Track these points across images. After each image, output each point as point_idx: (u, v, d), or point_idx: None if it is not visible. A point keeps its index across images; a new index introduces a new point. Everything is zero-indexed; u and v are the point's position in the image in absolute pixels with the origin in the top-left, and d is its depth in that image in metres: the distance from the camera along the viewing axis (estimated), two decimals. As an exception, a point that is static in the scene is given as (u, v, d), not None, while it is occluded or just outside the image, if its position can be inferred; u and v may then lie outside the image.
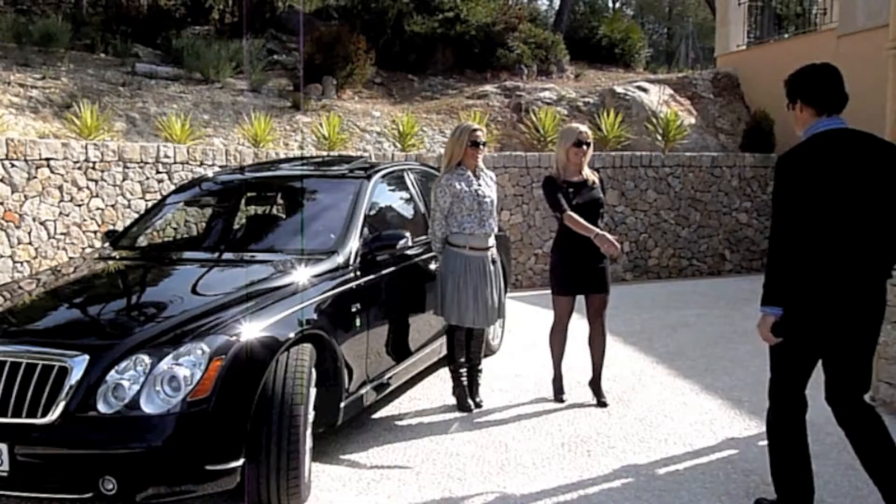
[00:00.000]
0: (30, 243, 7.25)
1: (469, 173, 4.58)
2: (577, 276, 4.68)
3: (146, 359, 2.97)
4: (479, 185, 4.59)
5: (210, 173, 6.08)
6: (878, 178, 2.82)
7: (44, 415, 2.90)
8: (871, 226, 2.81)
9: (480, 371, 4.84)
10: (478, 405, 4.72)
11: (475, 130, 4.58)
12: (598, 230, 4.49)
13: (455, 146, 4.57)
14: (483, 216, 4.56)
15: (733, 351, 6.11)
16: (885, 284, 2.93)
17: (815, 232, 2.83)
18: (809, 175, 2.83)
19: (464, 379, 4.73)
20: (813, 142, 2.93)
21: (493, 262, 4.67)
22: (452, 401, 4.79)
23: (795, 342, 2.94)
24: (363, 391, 4.03)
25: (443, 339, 5.03)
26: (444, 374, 5.48)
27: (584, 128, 4.84)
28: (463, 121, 10.97)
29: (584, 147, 4.70)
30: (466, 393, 4.72)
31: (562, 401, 4.85)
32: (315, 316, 3.54)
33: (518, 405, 4.78)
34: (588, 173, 4.78)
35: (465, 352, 4.73)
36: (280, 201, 5.23)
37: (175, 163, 8.19)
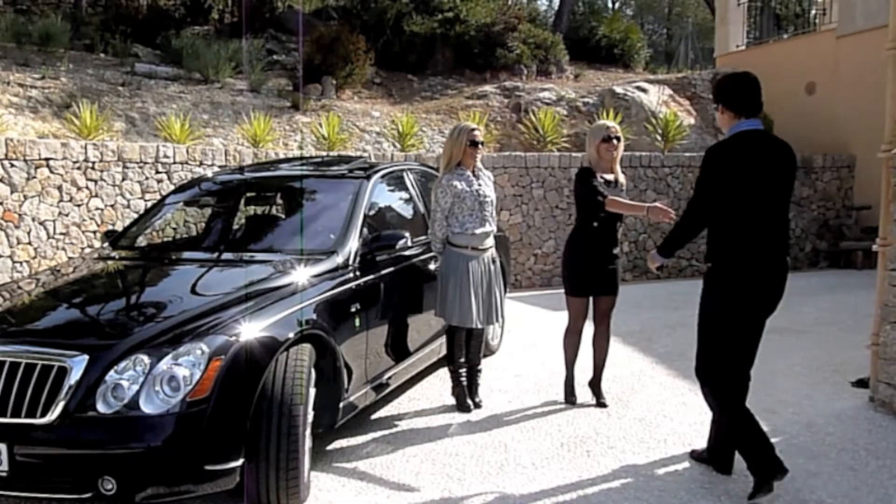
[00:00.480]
0: (29, 243, 7.24)
1: (469, 173, 4.59)
2: (589, 276, 4.64)
3: (145, 359, 2.97)
4: (479, 184, 4.60)
5: (209, 173, 6.07)
6: (780, 171, 3.47)
7: (43, 415, 2.89)
8: (773, 208, 3.49)
9: (480, 371, 4.84)
10: (477, 405, 4.72)
11: (473, 130, 4.58)
12: (648, 204, 4.38)
13: (454, 146, 4.56)
14: (484, 216, 4.57)
15: (732, 351, 6.10)
16: (787, 259, 3.62)
17: (732, 211, 3.43)
18: (730, 166, 3.41)
19: (463, 379, 4.73)
20: (734, 139, 3.46)
21: (493, 261, 4.68)
22: (452, 401, 4.78)
23: (743, 318, 3.50)
24: (362, 391, 4.03)
25: (442, 339, 5.03)
26: (444, 374, 5.48)
27: (612, 123, 4.78)
28: (462, 121, 10.98)
29: (615, 142, 4.63)
30: (466, 393, 4.72)
31: (573, 403, 4.81)
32: (314, 316, 3.54)
33: (517, 405, 4.78)
34: (619, 173, 4.72)
35: (465, 352, 4.73)
36: (279, 201, 5.23)
37: (174, 163, 8.19)
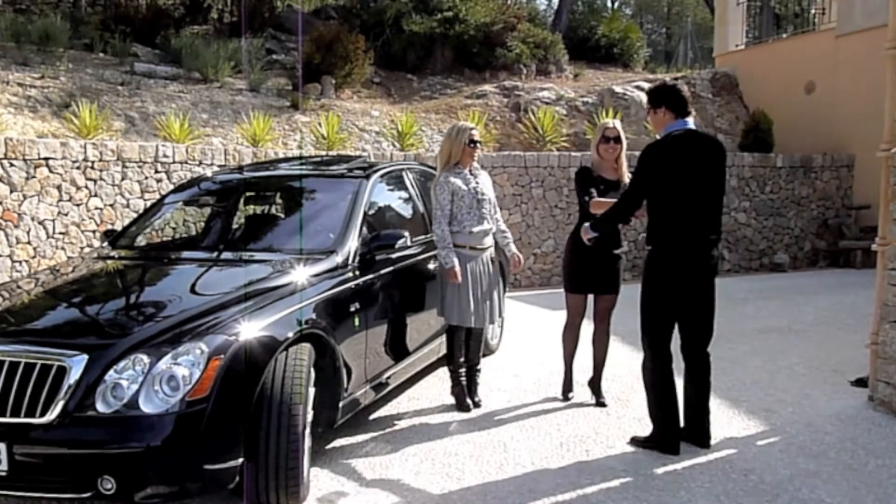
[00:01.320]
0: (28, 243, 7.24)
1: (466, 172, 4.59)
2: (589, 274, 4.65)
3: (145, 358, 2.97)
4: (477, 182, 4.61)
5: (209, 173, 6.07)
6: (712, 165, 3.90)
7: (42, 414, 2.89)
8: (706, 199, 3.87)
9: (479, 371, 4.84)
10: (476, 405, 4.72)
11: (472, 129, 4.59)
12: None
13: (453, 145, 4.57)
14: (482, 214, 4.57)
15: (731, 351, 6.11)
16: (717, 248, 3.95)
17: (667, 202, 3.84)
18: (668, 161, 3.83)
19: (463, 379, 4.73)
20: (671, 137, 3.89)
21: (493, 260, 4.68)
22: (451, 400, 4.78)
23: (659, 301, 3.92)
24: (362, 391, 4.03)
25: (441, 339, 5.03)
26: (443, 373, 5.48)
27: (613, 122, 4.74)
28: (461, 120, 10.98)
29: (612, 143, 4.62)
30: (465, 393, 4.72)
31: (567, 399, 4.86)
32: (314, 315, 3.54)
33: (517, 405, 4.78)
34: (624, 174, 4.68)
35: (465, 351, 4.73)
36: (279, 201, 5.22)
37: (174, 162, 8.19)
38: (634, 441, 4.05)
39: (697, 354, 3.97)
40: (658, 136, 3.99)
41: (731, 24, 14.24)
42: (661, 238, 3.90)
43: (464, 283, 4.47)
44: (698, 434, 3.98)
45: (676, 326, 3.97)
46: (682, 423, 3.98)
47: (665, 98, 3.96)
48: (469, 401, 4.70)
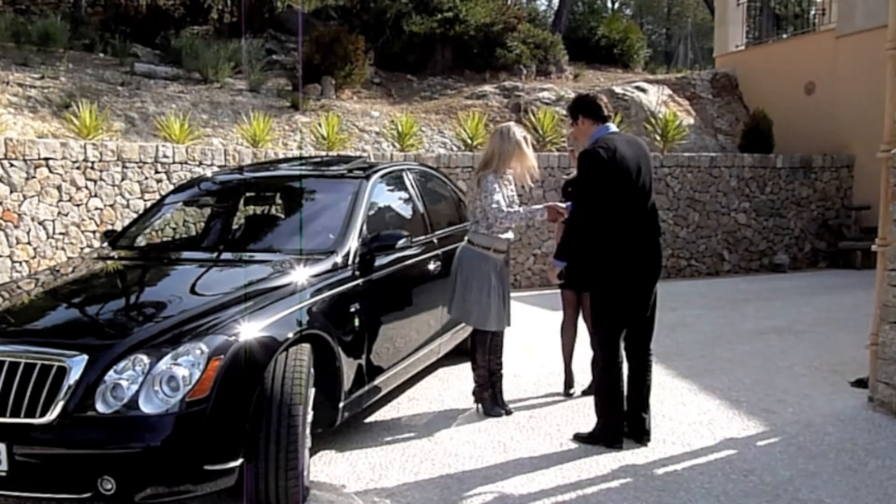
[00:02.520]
0: (28, 243, 7.24)
1: (508, 176, 4.62)
2: (576, 271, 4.66)
3: (145, 359, 2.97)
4: (512, 189, 4.63)
5: (209, 173, 6.07)
6: (641, 160, 4.03)
7: (42, 415, 2.89)
8: (645, 198, 4.03)
9: (502, 376, 4.69)
10: (508, 412, 4.59)
11: (526, 135, 4.69)
12: (543, 205, 4.61)
13: (514, 151, 4.54)
14: (509, 221, 4.56)
15: (731, 351, 6.11)
16: (659, 241, 4.14)
17: (612, 202, 3.94)
18: (607, 165, 3.91)
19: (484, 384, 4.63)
20: (602, 142, 3.99)
21: (507, 263, 4.72)
22: (451, 401, 4.78)
23: (613, 303, 4.03)
24: (362, 391, 4.02)
25: (442, 339, 5.03)
26: (444, 374, 5.48)
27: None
28: (462, 121, 10.99)
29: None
30: (495, 399, 4.61)
31: (569, 395, 4.94)
32: (314, 316, 3.54)
33: (516, 405, 4.78)
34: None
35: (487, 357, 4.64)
36: (279, 201, 5.22)
37: (174, 163, 8.19)
38: (578, 438, 4.15)
39: (641, 352, 4.13)
40: (586, 147, 4.06)
41: (731, 25, 14.24)
42: (610, 242, 3.97)
43: (487, 286, 4.42)
44: (639, 430, 4.10)
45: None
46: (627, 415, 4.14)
47: (581, 108, 4.19)
48: (501, 409, 4.59)
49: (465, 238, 4.61)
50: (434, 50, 14.29)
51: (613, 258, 3.96)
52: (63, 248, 7.45)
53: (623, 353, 4.09)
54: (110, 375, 2.93)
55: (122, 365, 2.95)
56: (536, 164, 4.67)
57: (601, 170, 3.89)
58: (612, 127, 4.15)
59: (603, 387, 4.08)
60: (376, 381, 4.21)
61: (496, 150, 4.53)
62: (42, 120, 9.04)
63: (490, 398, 4.61)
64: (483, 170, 4.53)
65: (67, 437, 2.88)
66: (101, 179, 7.72)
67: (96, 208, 7.69)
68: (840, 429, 4.26)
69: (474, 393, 4.69)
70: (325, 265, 3.90)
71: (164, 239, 5.47)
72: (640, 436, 4.08)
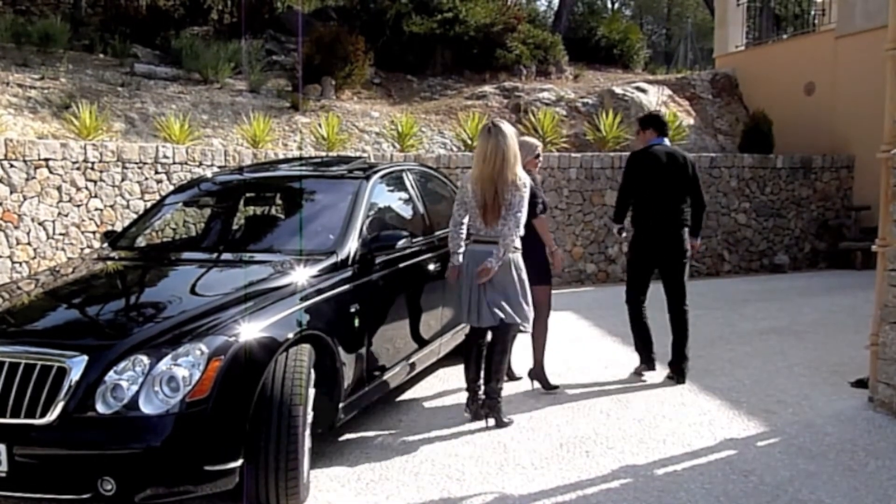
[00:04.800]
0: (28, 244, 7.25)
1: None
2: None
3: (145, 359, 2.97)
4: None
5: (209, 174, 6.08)
6: (681, 170, 5.21)
7: (42, 415, 2.89)
8: (673, 195, 5.19)
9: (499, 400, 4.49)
10: (500, 424, 4.41)
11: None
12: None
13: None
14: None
15: (732, 352, 6.11)
16: (679, 231, 5.21)
17: (644, 197, 5.22)
18: (648, 166, 5.19)
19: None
20: (651, 149, 5.26)
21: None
22: (451, 401, 4.78)
23: (636, 263, 5.34)
24: (362, 392, 4.02)
25: (442, 340, 5.03)
26: (443, 374, 5.48)
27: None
28: (462, 121, 10.98)
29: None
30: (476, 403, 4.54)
31: (518, 379, 5.20)
32: (314, 316, 3.53)
33: (516, 405, 4.78)
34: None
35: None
36: (279, 202, 5.23)
37: (174, 163, 8.19)
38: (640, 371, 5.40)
39: (675, 309, 5.31)
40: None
41: (731, 26, 14.24)
42: (638, 224, 5.31)
43: (517, 285, 4.38)
44: (676, 372, 5.23)
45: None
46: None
47: (649, 122, 5.40)
48: (480, 410, 4.46)
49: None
50: (434, 50, 14.29)
51: (636, 233, 5.29)
52: (63, 249, 7.45)
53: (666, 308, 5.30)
54: (110, 376, 2.93)
55: (122, 365, 2.96)
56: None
57: (630, 166, 5.28)
58: (666, 141, 5.35)
59: (631, 320, 5.40)
60: (376, 382, 4.21)
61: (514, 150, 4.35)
62: (42, 120, 9.05)
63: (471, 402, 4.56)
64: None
65: (67, 437, 2.88)
66: (101, 180, 7.72)
67: (96, 209, 7.69)
68: (840, 429, 4.26)
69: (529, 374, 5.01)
70: (325, 265, 3.89)
71: (165, 239, 5.47)
72: (677, 376, 5.20)
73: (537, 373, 5.06)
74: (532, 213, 4.63)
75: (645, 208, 5.20)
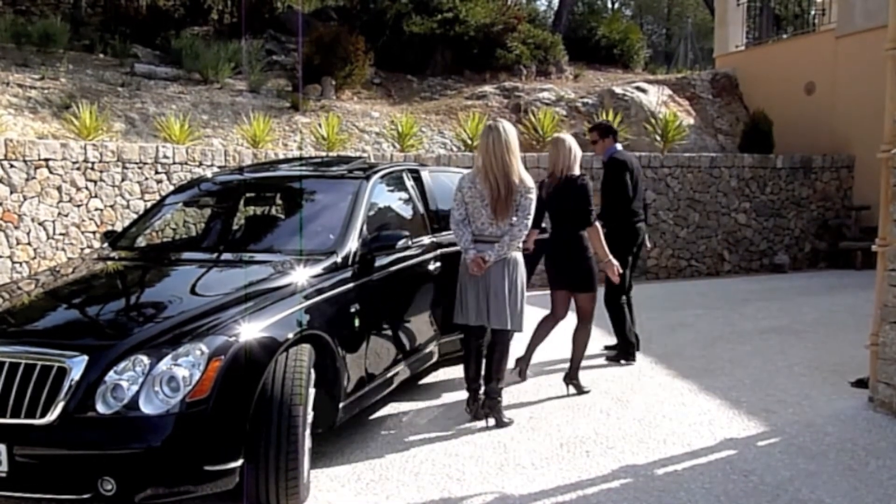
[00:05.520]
0: (28, 244, 7.25)
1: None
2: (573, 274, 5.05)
3: (145, 359, 2.97)
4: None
5: (209, 174, 6.08)
6: (639, 170, 5.95)
7: (42, 415, 2.89)
8: (641, 192, 5.92)
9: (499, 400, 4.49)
10: (500, 424, 4.41)
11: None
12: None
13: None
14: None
15: (732, 351, 6.11)
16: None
17: (631, 199, 5.74)
18: (633, 170, 5.80)
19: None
20: (620, 154, 5.88)
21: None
22: (451, 401, 4.78)
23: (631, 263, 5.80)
24: (362, 391, 4.02)
25: (442, 340, 5.02)
26: (443, 374, 5.48)
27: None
28: (462, 121, 10.98)
29: None
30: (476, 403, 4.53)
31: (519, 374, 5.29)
32: (314, 316, 3.54)
33: (517, 405, 4.78)
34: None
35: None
36: (279, 202, 5.23)
37: (174, 163, 8.19)
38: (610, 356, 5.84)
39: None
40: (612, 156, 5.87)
41: (731, 25, 14.23)
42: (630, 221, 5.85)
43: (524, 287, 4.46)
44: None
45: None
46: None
47: (609, 132, 5.97)
48: (480, 409, 4.44)
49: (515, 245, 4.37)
50: (434, 50, 14.28)
51: (632, 235, 5.79)
52: (63, 249, 7.45)
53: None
54: (110, 376, 2.93)
55: (122, 365, 2.96)
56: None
57: (625, 170, 5.72)
58: (619, 145, 5.98)
59: (614, 316, 5.79)
60: (377, 382, 4.21)
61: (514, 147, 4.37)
62: (42, 121, 9.05)
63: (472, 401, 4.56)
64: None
65: (68, 437, 2.88)
66: (102, 180, 7.72)
67: (96, 209, 7.69)
68: (840, 429, 4.26)
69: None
70: (326, 266, 3.89)
71: (165, 239, 5.47)
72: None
73: (573, 376, 5.04)
74: (587, 222, 4.84)
75: (634, 210, 5.77)
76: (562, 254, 4.96)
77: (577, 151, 4.94)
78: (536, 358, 5.89)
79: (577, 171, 4.90)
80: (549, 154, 5.09)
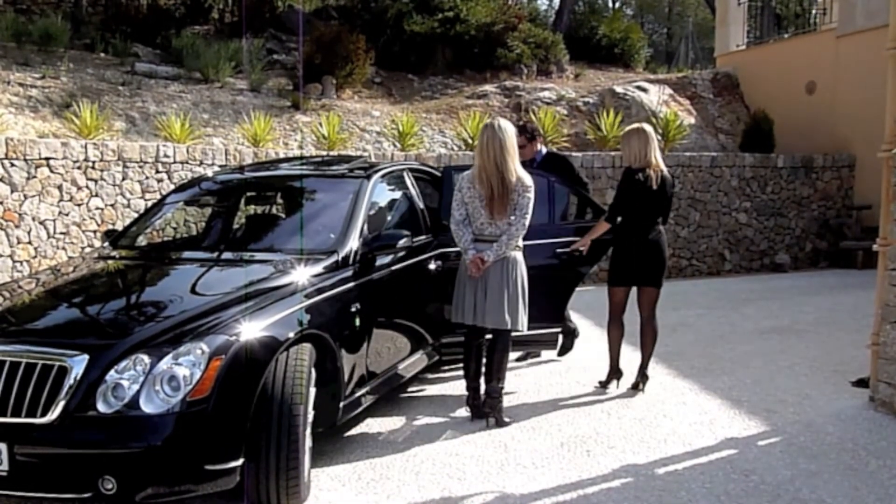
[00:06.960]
0: (29, 243, 7.25)
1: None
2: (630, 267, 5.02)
3: (146, 358, 2.97)
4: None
5: (209, 173, 6.08)
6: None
7: (43, 414, 2.89)
8: None
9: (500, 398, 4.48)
10: (500, 423, 4.40)
11: None
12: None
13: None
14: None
15: (732, 351, 6.11)
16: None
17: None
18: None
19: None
20: (549, 156, 5.90)
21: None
22: (451, 400, 4.77)
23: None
24: (363, 391, 4.03)
25: (442, 340, 5.02)
26: (444, 373, 5.48)
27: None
28: (462, 121, 10.98)
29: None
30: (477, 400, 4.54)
31: (605, 387, 5.10)
32: (315, 316, 3.53)
33: (517, 405, 4.78)
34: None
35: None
36: (280, 201, 5.23)
37: (175, 162, 8.20)
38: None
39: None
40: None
41: (732, 25, 14.23)
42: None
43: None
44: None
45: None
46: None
47: (538, 133, 5.89)
48: (480, 410, 4.44)
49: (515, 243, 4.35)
50: (435, 49, 14.27)
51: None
52: (64, 248, 7.45)
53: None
54: (111, 375, 2.93)
55: (123, 365, 2.96)
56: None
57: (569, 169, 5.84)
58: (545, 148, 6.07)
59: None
60: (377, 381, 4.21)
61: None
62: (43, 120, 9.05)
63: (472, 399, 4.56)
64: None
65: (68, 436, 2.88)
66: (102, 179, 7.72)
67: (97, 208, 7.69)
68: (841, 429, 4.26)
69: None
70: (326, 265, 3.89)
71: (165, 238, 5.47)
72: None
73: (619, 371, 5.12)
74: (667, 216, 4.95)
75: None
76: (646, 247, 4.86)
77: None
78: (536, 358, 5.91)
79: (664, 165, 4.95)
80: (633, 145, 4.89)
